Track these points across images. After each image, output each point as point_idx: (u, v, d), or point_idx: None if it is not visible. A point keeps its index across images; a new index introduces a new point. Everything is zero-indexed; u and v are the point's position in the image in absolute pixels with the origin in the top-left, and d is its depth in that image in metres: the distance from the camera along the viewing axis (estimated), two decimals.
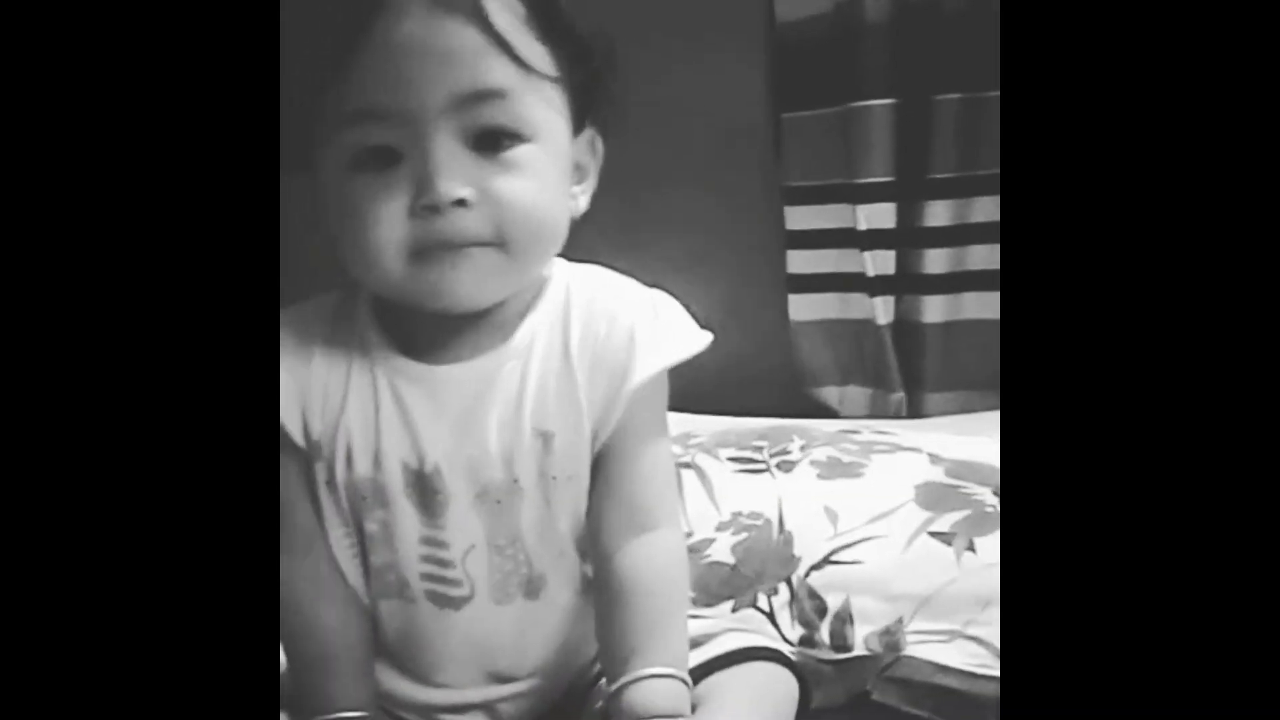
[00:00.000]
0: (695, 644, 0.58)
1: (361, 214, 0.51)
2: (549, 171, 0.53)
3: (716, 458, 0.90)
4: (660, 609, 0.55)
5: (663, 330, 0.57)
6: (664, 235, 1.21)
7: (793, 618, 0.76)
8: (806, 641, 0.75)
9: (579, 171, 0.58)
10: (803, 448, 0.90)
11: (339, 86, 0.51)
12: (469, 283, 0.53)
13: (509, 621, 0.58)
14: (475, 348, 0.56)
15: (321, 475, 0.57)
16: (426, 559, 0.57)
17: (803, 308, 1.22)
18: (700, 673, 0.56)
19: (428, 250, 0.51)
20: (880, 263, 1.17)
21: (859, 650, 0.73)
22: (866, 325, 1.19)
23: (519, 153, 0.52)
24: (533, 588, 0.58)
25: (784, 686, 0.58)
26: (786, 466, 0.88)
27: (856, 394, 1.22)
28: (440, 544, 0.56)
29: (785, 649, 0.61)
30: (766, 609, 0.77)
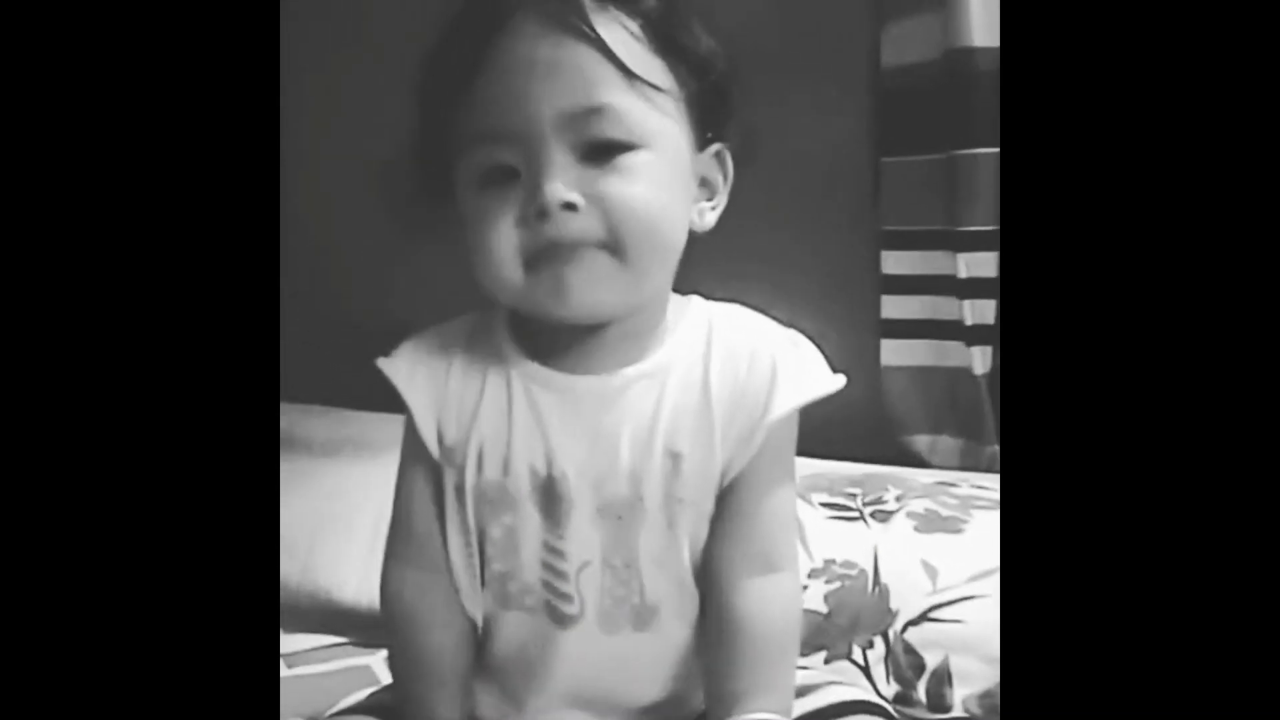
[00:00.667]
0: (799, 694, 0.58)
1: (482, 227, 0.54)
2: (663, 177, 0.54)
3: (809, 502, 0.89)
4: (772, 654, 0.55)
5: (802, 368, 0.57)
6: (757, 272, 1.21)
7: (888, 673, 0.74)
8: (902, 699, 0.73)
9: (706, 187, 0.59)
10: (898, 498, 0.89)
11: (465, 110, 0.54)
12: (582, 286, 0.53)
13: (614, 654, 0.58)
14: (612, 361, 0.57)
15: (450, 480, 0.58)
16: (545, 567, 0.57)
17: (895, 353, 1.20)
18: None
19: (541, 255, 0.53)
20: (979, 312, 1.14)
21: (957, 712, 0.71)
22: (962, 374, 1.16)
23: (631, 159, 0.53)
24: (643, 619, 0.57)
25: None
26: (882, 516, 0.86)
27: (948, 444, 1.19)
28: (559, 554, 0.57)
29: (868, 696, 0.60)
30: (861, 662, 0.75)
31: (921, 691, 0.73)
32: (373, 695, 0.67)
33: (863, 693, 0.59)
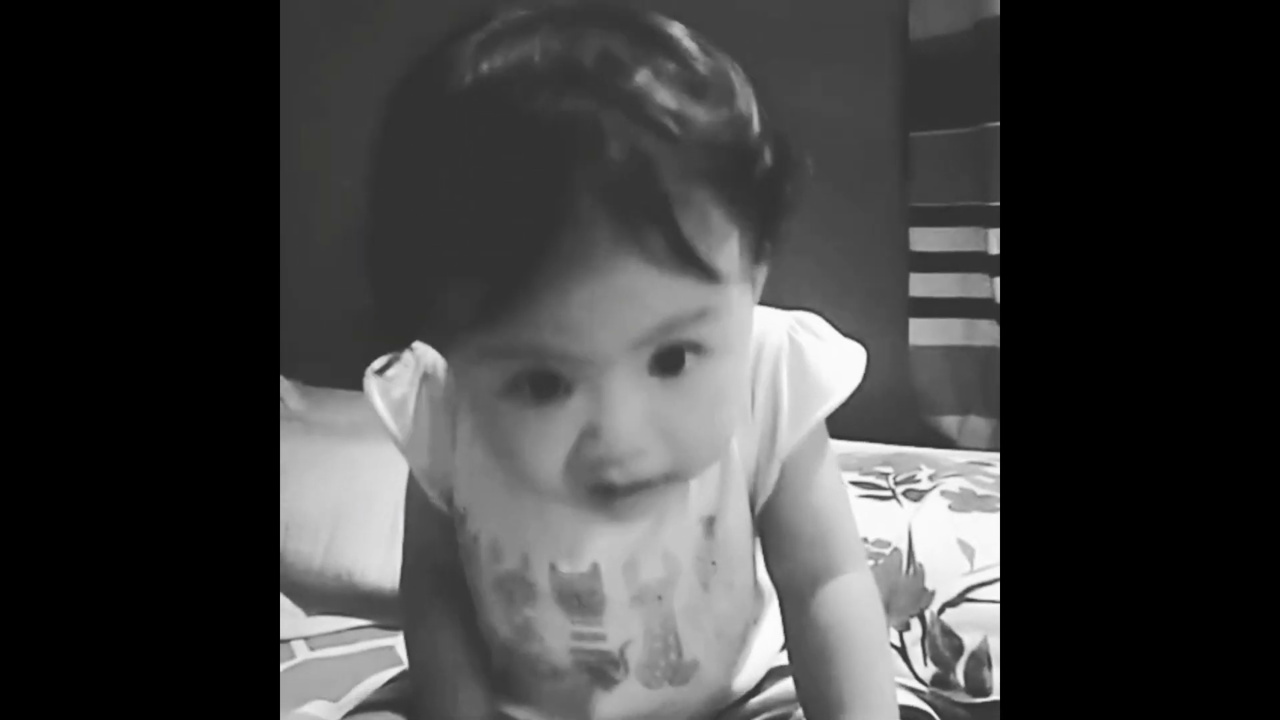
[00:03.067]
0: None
1: (518, 446, 0.44)
2: (731, 383, 0.46)
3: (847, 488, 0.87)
4: (865, 661, 0.51)
5: (809, 376, 0.51)
6: (783, 250, 1.19)
7: (925, 655, 0.73)
8: (940, 681, 0.71)
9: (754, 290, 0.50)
10: (931, 477, 0.87)
11: (493, 331, 0.41)
12: (639, 508, 0.46)
13: (653, 703, 0.55)
14: None
15: (464, 544, 0.54)
16: (580, 651, 0.53)
17: (924, 332, 1.18)
18: None
19: (599, 491, 0.44)
20: None
21: (996, 695, 0.69)
22: (991, 353, 1.14)
23: (706, 370, 0.44)
24: (682, 675, 0.54)
25: None
26: (915, 495, 0.84)
27: (978, 424, 1.17)
28: (597, 637, 0.53)
29: (907, 680, 0.58)
30: (898, 644, 0.74)
31: (960, 673, 0.71)
32: (393, 683, 0.66)
33: (906, 695, 0.55)
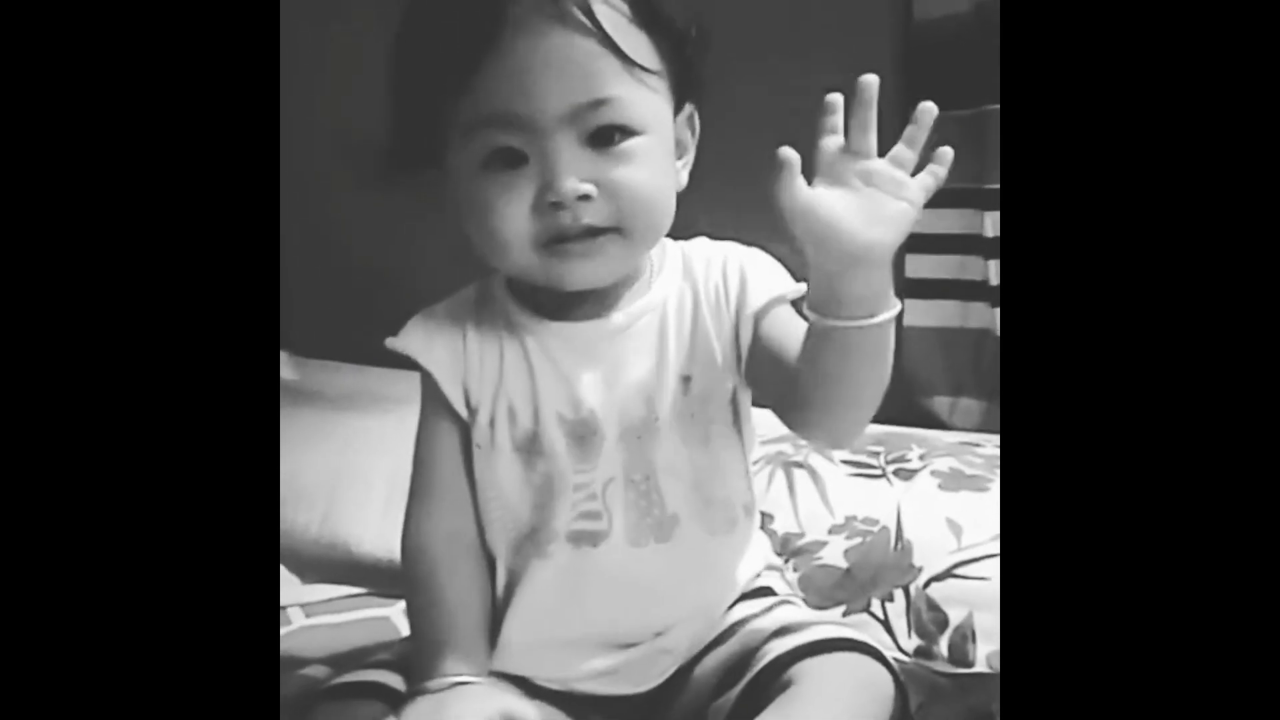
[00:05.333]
0: (787, 630, 0.59)
1: (493, 210, 0.58)
2: (659, 159, 0.60)
3: (830, 460, 0.88)
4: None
5: (769, 269, 0.64)
6: (781, 232, 1.20)
7: (909, 627, 0.74)
8: (923, 653, 0.73)
9: (679, 147, 0.63)
10: (922, 457, 0.88)
11: (469, 95, 0.57)
12: (593, 268, 0.59)
13: (640, 570, 0.61)
14: (612, 305, 0.63)
15: (482, 438, 0.63)
16: (576, 501, 0.61)
17: (918, 314, 1.19)
18: (790, 659, 0.56)
19: (553, 239, 0.58)
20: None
21: (980, 668, 0.71)
22: (985, 335, 1.15)
23: (632, 145, 0.58)
24: (664, 529, 0.61)
25: (878, 680, 0.58)
26: (905, 474, 0.85)
27: (970, 405, 1.18)
28: (588, 483, 0.61)
29: (888, 652, 0.60)
30: (881, 616, 0.75)
31: (944, 646, 0.73)
32: (390, 647, 0.68)
33: (853, 631, 0.60)
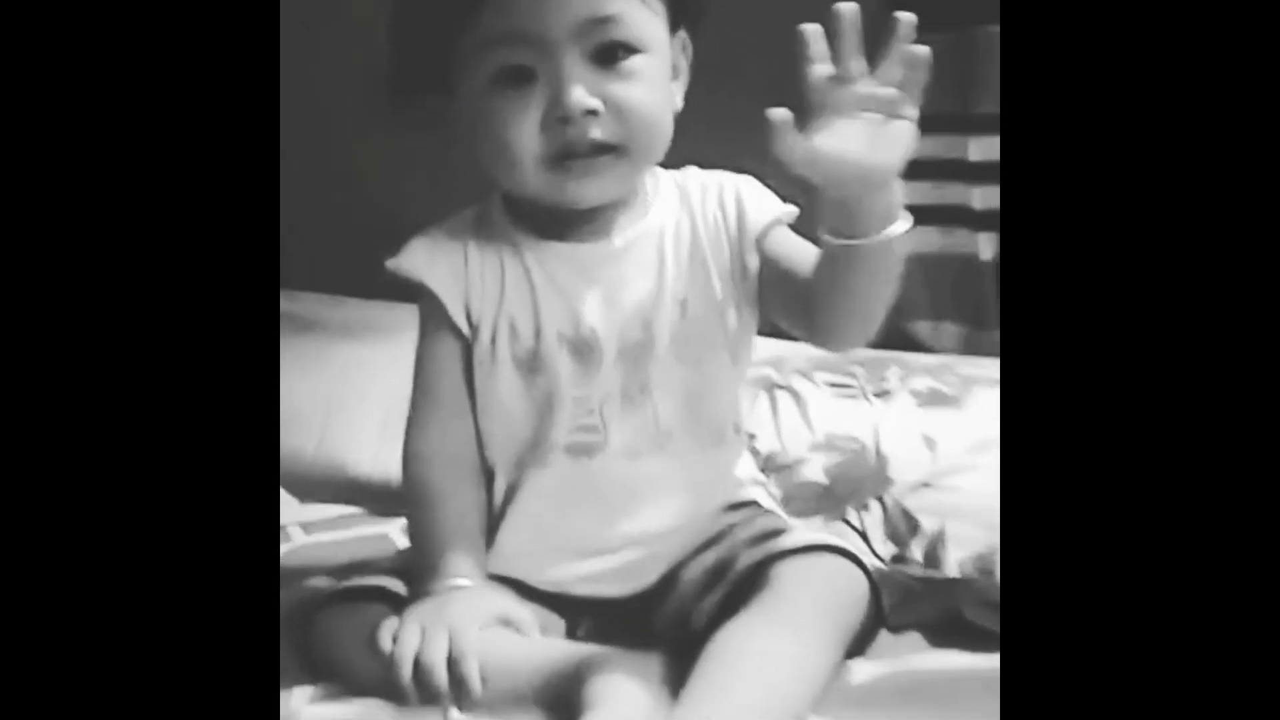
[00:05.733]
0: (767, 536, 0.62)
1: (503, 127, 0.61)
2: (659, 78, 0.62)
3: (812, 381, 0.91)
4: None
5: (761, 194, 0.67)
6: (759, 151, 1.20)
7: (885, 534, 0.77)
8: (898, 559, 0.76)
9: (674, 70, 0.66)
10: (901, 378, 0.91)
11: (477, 15, 0.59)
12: (597, 184, 0.62)
13: (635, 478, 0.64)
14: (610, 228, 0.66)
15: (483, 354, 0.65)
16: (574, 415, 0.64)
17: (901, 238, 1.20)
18: (769, 562, 0.60)
19: (560, 154, 0.60)
20: (988, 197, 1.14)
21: (951, 572, 0.74)
22: (968, 260, 1.16)
23: (634, 64, 0.61)
24: (658, 442, 0.65)
25: (853, 580, 0.61)
26: (884, 395, 0.88)
27: (951, 330, 1.20)
28: (586, 398, 0.65)
29: (866, 558, 0.63)
30: (858, 525, 0.79)
31: (917, 551, 0.76)
32: (393, 558, 0.71)
33: (828, 536, 0.63)
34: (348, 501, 0.95)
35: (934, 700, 0.59)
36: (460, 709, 0.56)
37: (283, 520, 0.90)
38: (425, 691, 0.57)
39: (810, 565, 0.60)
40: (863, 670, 0.62)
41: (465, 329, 0.66)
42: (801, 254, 0.63)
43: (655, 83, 0.62)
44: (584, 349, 0.64)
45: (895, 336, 1.21)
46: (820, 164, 0.53)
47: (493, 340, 0.65)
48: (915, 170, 1.15)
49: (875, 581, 0.62)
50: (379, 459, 0.93)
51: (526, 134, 0.60)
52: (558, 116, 0.59)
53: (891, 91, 0.53)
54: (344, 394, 1.02)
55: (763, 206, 0.66)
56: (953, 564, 0.75)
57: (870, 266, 0.57)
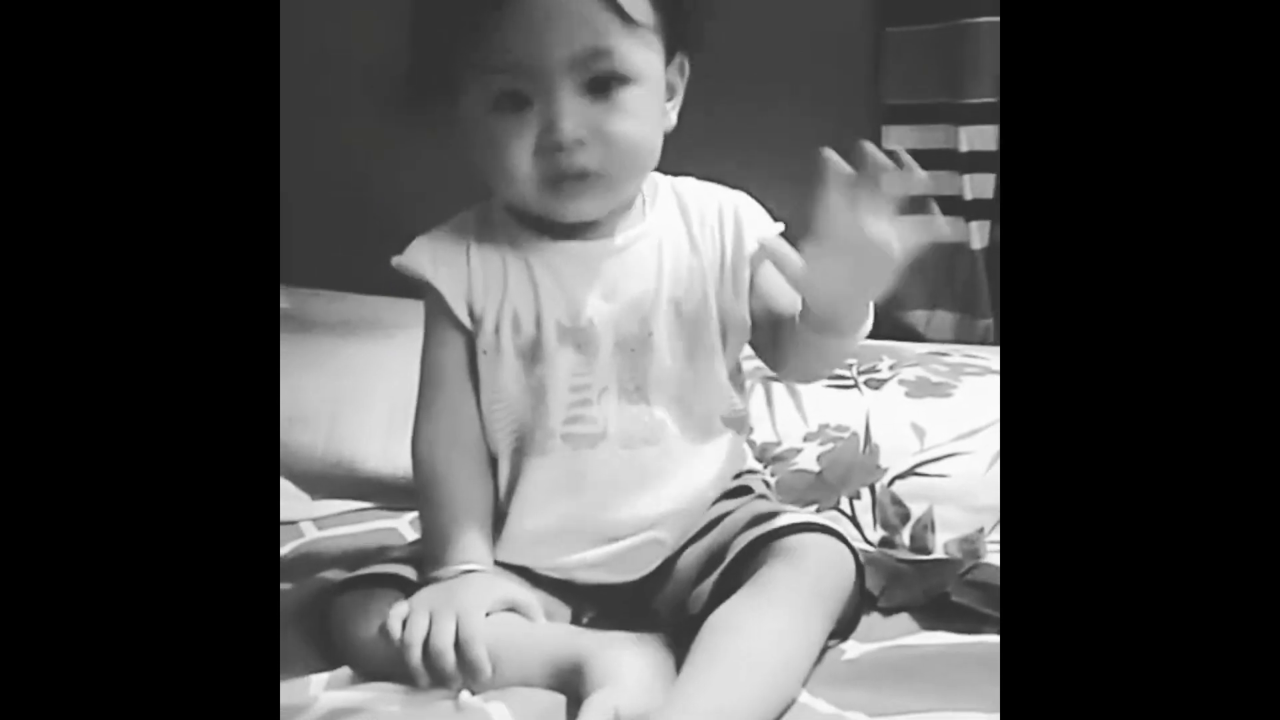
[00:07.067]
0: (759, 520, 0.65)
1: (500, 148, 0.65)
2: (649, 108, 0.66)
3: None
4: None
5: (755, 213, 0.71)
6: (754, 149, 1.21)
7: (875, 520, 0.80)
8: (887, 543, 0.79)
9: (669, 90, 0.69)
10: (891, 367, 0.93)
11: (482, 43, 0.63)
12: (586, 204, 0.66)
13: (634, 467, 0.67)
14: (609, 229, 0.69)
15: (487, 345, 0.68)
16: (572, 404, 0.67)
17: None
18: (761, 544, 0.62)
19: (554, 179, 0.64)
20: (979, 186, 1.15)
21: (938, 554, 0.77)
22: (960, 249, 1.18)
23: (625, 95, 0.64)
24: (653, 435, 0.68)
25: (840, 559, 0.64)
26: (875, 384, 0.90)
27: (943, 318, 1.22)
28: (584, 388, 0.68)
29: (857, 543, 0.66)
30: (849, 512, 0.81)
31: (906, 536, 0.79)
32: (404, 548, 0.73)
33: (815, 517, 0.66)
34: (358, 497, 0.97)
35: (927, 677, 0.61)
36: (471, 692, 0.59)
37: (294, 516, 0.93)
38: (435, 675, 0.59)
39: (800, 545, 0.62)
40: (854, 649, 0.64)
41: (467, 324, 0.69)
42: (783, 295, 0.67)
43: (645, 113, 0.65)
44: (582, 340, 0.67)
45: (889, 326, 1.23)
46: (812, 289, 0.61)
47: (496, 330, 0.68)
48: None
49: (861, 562, 0.65)
50: (388, 454, 0.95)
51: (521, 157, 0.64)
52: (550, 142, 0.63)
53: (890, 240, 0.59)
54: (351, 390, 1.04)
55: (756, 225, 0.70)
56: (939, 547, 0.77)
57: (841, 349, 0.66)
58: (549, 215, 0.67)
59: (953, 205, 1.16)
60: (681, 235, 0.70)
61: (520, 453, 0.68)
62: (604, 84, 0.64)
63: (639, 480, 0.68)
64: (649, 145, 0.67)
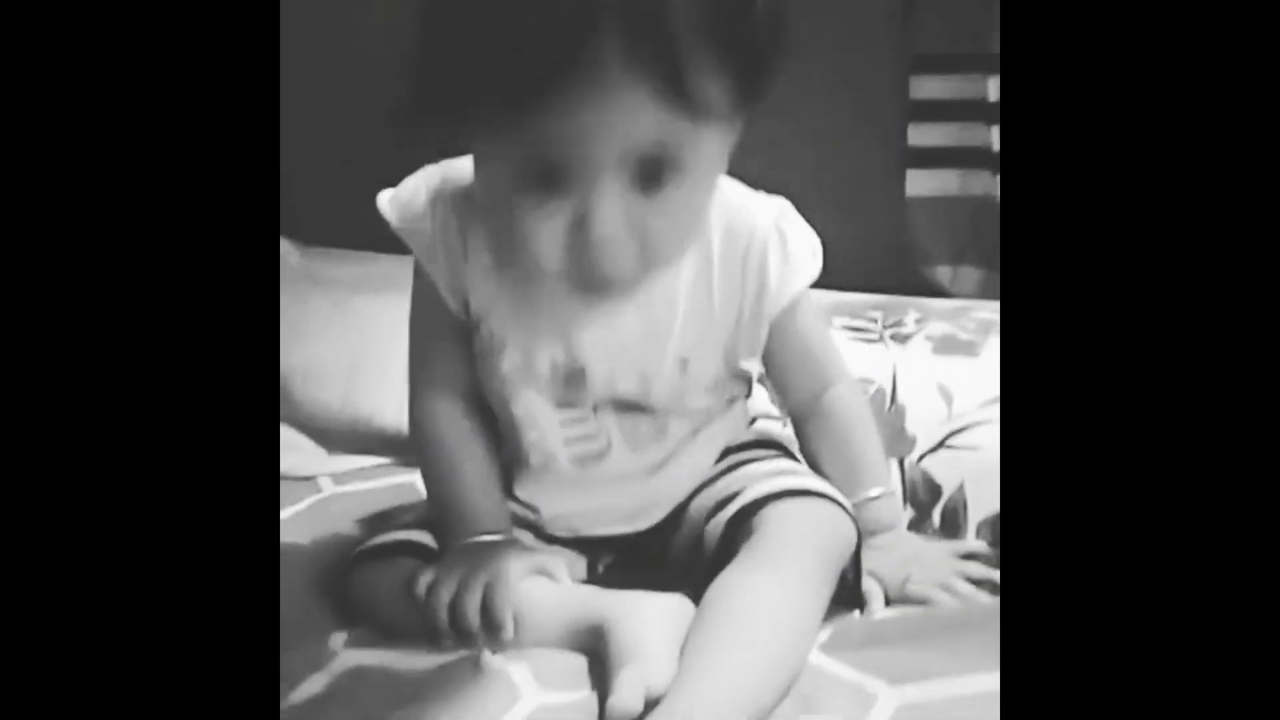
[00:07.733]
0: (762, 477, 0.63)
1: (523, 228, 0.55)
2: (700, 191, 0.56)
3: (830, 324, 0.91)
4: (865, 435, 0.69)
5: (787, 260, 0.63)
6: (780, 99, 1.18)
7: (905, 499, 0.78)
8: (914, 526, 0.76)
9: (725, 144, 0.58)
10: (918, 321, 0.91)
11: (514, 126, 0.51)
12: (616, 287, 0.57)
13: (647, 462, 0.66)
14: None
15: (483, 346, 0.64)
16: (567, 421, 0.65)
17: (921, 183, 1.19)
18: (757, 505, 0.61)
19: (581, 266, 0.55)
20: None
21: (970, 537, 0.75)
22: (986, 202, 1.15)
23: (679, 187, 0.54)
24: (659, 432, 0.66)
25: (837, 524, 0.62)
26: (901, 338, 0.89)
27: (969, 273, 1.20)
28: (578, 417, 0.65)
29: (842, 500, 0.64)
30: None
31: (936, 517, 0.77)
32: (415, 509, 0.73)
33: (814, 481, 0.64)
34: (375, 452, 0.97)
35: (939, 634, 0.60)
36: (492, 653, 0.59)
37: (313, 471, 0.93)
38: (461, 637, 0.59)
39: (796, 508, 0.61)
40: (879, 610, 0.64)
41: (461, 316, 0.65)
42: (804, 346, 0.66)
43: (694, 202, 0.56)
44: (572, 383, 0.64)
45: (915, 281, 1.22)
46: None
47: (492, 335, 0.64)
48: (938, 112, 1.15)
49: (859, 527, 0.63)
50: (403, 411, 0.94)
51: (548, 243, 0.55)
52: (583, 239, 0.54)
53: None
54: (368, 347, 1.03)
55: (785, 283, 0.63)
56: (971, 528, 0.75)
57: None
58: (571, 285, 0.58)
59: (980, 157, 1.13)
60: (702, 283, 0.63)
61: (524, 464, 0.67)
62: (655, 173, 0.53)
63: (653, 468, 0.67)
64: (691, 233, 0.58)
